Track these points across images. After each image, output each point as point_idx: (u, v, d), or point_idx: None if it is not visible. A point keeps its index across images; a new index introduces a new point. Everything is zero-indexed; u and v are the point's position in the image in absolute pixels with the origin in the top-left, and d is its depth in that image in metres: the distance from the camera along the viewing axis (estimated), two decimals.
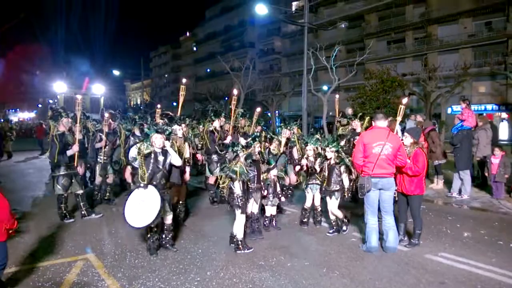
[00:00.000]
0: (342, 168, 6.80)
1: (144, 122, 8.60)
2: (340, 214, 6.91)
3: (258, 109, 9.30)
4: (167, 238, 6.09)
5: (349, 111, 11.04)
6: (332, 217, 6.97)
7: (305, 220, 7.41)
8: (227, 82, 46.23)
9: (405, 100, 6.95)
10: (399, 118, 6.83)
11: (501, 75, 30.67)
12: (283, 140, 7.89)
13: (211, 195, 8.96)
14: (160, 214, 5.63)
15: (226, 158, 6.42)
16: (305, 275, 5.20)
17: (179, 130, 7.19)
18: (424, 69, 32.05)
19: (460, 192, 9.61)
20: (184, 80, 8.04)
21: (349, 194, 6.92)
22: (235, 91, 7.92)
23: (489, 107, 32.69)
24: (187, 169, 7.35)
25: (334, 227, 6.95)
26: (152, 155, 5.75)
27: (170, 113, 8.19)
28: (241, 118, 9.75)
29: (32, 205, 9.22)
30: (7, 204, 4.17)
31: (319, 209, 7.46)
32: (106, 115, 9.03)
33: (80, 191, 7.90)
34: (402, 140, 6.30)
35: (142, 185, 5.64)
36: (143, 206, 5.57)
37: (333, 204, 6.83)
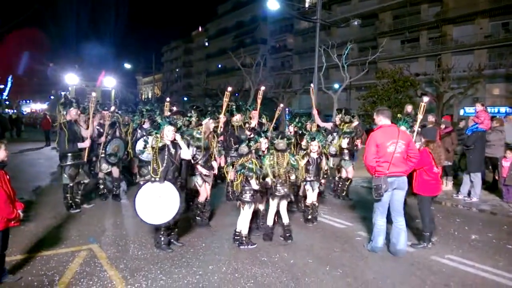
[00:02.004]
0: (323, 161, 7.23)
1: (152, 115, 8.58)
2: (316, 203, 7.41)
3: (281, 105, 9.28)
4: (172, 233, 6.04)
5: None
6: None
7: (310, 217, 7.37)
8: (237, 78, 46.18)
9: (426, 99, 6.89)
10: (420, 116, 6.77)
11: None
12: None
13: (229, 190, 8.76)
14: (180, 211, 5.58)
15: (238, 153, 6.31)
16: (307, 272, 5.16)
17: (211, 123, 7.08)
18: (437, 70, 31.73)
19: (469, 194, 9.48)
20: (229, 89, 7.98)
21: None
22: (229, 88, 7.87)
23: (502, 109, 32.20)
24: (214, 164, 7.20)
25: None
26: (166, 148, 5.63)
27: (200, 106, 8.18)
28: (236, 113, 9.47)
29: (39, 195, 9.29)
30: (3, 193, 4.17)
31: (316, 204, 7.45)
32: (112, 108, 9.02)
33: (87, 180, 7.95)
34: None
35: (157, 179, 5.55)
36: (160, 202, 5.50)
37: (314, 194, 7.27)
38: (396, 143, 5.56)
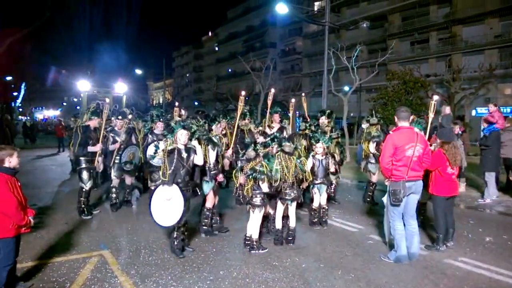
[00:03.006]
0: (330, 162, 7.18)
1: (161, 120, 8.58)
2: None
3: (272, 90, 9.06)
4: (185, 239, 6.03)
5: (447, 110, 10.55)
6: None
7: (315, 220, 7.34)
8: (247, 82, 46.29)
9: (436, 97, 6.83)
10: (431, 115, 6.69)
11: None
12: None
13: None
14: (185, 214, 5.56)
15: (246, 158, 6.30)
16: (319, 277, 5.11)
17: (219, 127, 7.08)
18: (448, 70, 31.48)
19: (482, 195, 9.35)
20: (243, 93, 7.94)
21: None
22: (243, 92, 7.83)
23: None
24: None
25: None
26: (176, 152, 5.62)
27: (204, 110, 8.17)
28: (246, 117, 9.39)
29: (51, 201, 9.35)
30: (14, 200, 4.20)
31: (326, 208, 7.40)
32: (130, 116, 9.07)
33: (91, 185, 7.99)
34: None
35: (166, 182, 5.56)
36: (168, 204, 5.51)
37: (323, 198, 7.25)
38: (414, 147, 5.43)
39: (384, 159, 5.59)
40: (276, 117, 8.95)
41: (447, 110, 10.52)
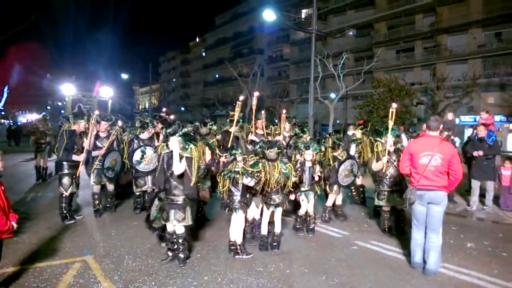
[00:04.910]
0: (317, 169, 7.18)
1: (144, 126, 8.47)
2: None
3: (263, 111, 9.13)
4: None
5: (449, 116, 10.53)
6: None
7: (299, 226, 7.37)
8: (235, 88, 46.39)
9: (395, 105, 6.92)
10: (390, 123, 6.78)
11: (510, 86, 30.44)
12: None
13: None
14: None
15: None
16: (304, 282, 5.13)
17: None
18: (432, 79, 31.96)
19: (468, 204, 9.45)
20: (241, 98, 7.92)
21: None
22: (241, 97, 7.83)
23: (497, 118, 32.36)
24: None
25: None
26: (161, 157, 5.60)
27: (164, 115, 8.08)
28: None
29: (33, 206, 9.21)
30: None
31: (313, 215, 7.38)
32: (120, 123, 9.00)
33: (74, 190, 7.87)
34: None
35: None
36: None
37: (310, 205, 7.25)
38: (431, 156, 5.32)
39: (401, 164, 5.76)
40: (258, 123, 8.93)
41: (449, 116, 10.56)
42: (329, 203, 8.16)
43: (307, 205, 7.26)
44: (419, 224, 5.61)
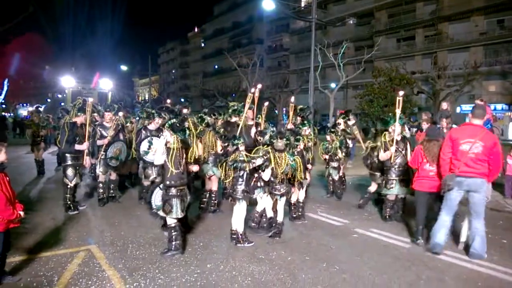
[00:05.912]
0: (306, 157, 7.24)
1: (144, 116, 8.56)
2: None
3: (266, 103, 9.15)
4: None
5: (444, 105, 10.60)
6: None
7: (295, 215, 7.45)
8: (234, 78, 46.30)
9: (401, 93, 6.95)
10: (398, 111, 6.83)
11: None
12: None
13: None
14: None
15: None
16: (304, 269, 5.20)
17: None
18: (433, 67, 31.85)
19: None
20: (253, 90, 7.92)
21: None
22: (252, 89, 7.84)
23: (499, 106, 32.37)
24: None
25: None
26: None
27: (169, 106, 8.12)
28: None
29: (37, 197, 9.31)
30: (2, 196, 4.21)
31: (302, 202, 7.51)
32: (121, 113, 9.02)
33: (78, 181, 7.95)
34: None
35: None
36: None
37: (301, 193, 7.39)
38: (472, 143, 5.36)
39: (443, 151, 5.69)
40: (250, 113, 8.92)
41: (443, 105, 10.60)
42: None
43: (298, 193, 7.33)
44: (449, 208, 5.70)
